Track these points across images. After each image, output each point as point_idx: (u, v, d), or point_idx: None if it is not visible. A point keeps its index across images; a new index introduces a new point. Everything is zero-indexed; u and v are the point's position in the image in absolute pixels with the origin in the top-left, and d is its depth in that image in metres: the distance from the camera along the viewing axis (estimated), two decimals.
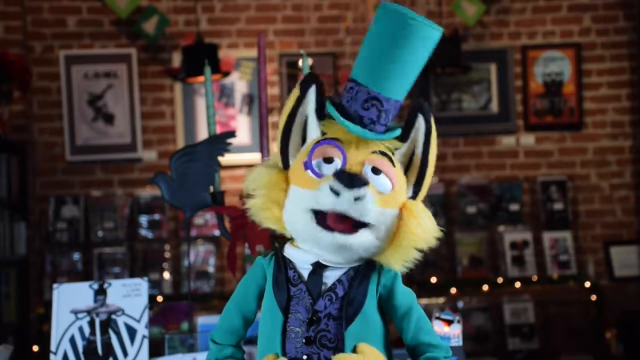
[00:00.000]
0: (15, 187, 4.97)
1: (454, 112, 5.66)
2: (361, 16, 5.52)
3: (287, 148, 1.53)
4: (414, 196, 1.53)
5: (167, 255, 5.28)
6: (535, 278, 5.39)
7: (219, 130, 3.04)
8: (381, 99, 1.48)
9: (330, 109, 1.50)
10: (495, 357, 5.33)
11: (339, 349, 1.45)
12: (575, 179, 5.69)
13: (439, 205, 5.49)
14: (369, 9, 5.31)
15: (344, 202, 1.42)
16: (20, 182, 5.04)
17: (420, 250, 1.50)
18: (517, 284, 5.35)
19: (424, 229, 1.49)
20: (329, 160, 1.47)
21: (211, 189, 2.49)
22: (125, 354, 2.08)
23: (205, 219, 5.25)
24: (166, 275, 5.24)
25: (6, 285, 4.86)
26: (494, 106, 5.68)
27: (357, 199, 1.42)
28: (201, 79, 4.72)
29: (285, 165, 1.53)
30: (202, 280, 5.25)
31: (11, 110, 5.11)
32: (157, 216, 5.28)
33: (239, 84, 5.44)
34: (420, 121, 1.51)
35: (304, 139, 1.54)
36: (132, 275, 5.14)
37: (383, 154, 1.49)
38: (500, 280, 5.37)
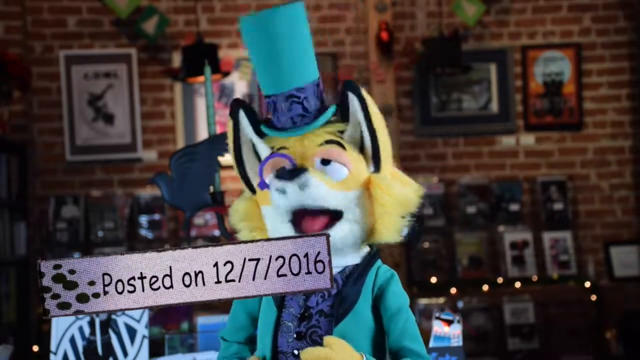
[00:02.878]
0: (15, 187, 4.97)
1: (454, 112, 5.66)
2: (361, 16, 5.52)
3: (246, 175, 1.58)
4: (377, 169, 1.53)
5: None
6: (535, 278, 5.40)
7: (219, 130, 3.04)
8: (293, 92, 1.50)
9: (264, 129, 1.55)
10: (495, 357, 5.33)
11: (324, 339, 1.44)
12: (575, 179, 5.69)
13: (439, 205, 5.49)
14: (369, 9, 5.31)
15: (292, 196, 1.45)
16: (20, 182, 5.04)
17: (407, 216, 1.51)
18: (517, 284, 5.35)
19: (396, 196, 1.50)
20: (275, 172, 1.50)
21: (211, 189, 2.49)
22: (125, 354, 2.08)
23: (205, 219, 5.25)
24: None
25: (6, 285, 4.86)
26: (494, 106, 5.68)
27: (301, 187, 1.45)
28: (201, 79, 4.71)
29: (253, 191, 1.58)
30: None
31: (11, 110, 5.11)
32: (157, 216, 5.28)
33: (239, 84, 5.43)
34: (352, 98, 1.51)
35: (259, 159, 1.58)
36: None
37: (330, 142, 1.50)
38: (500, 280, 5.38)
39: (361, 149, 1.54)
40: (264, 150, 1.56)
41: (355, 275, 1.49)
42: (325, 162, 1.49)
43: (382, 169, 1.53)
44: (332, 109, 1.53)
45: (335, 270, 1.49)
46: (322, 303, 1.49)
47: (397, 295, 1.51)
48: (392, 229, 1.51)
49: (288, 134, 1.51)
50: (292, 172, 1.45)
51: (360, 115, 1.51)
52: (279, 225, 1.50)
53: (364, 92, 1.51)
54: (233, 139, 1.57)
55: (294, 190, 1.45)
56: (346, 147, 1.51)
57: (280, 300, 1.50)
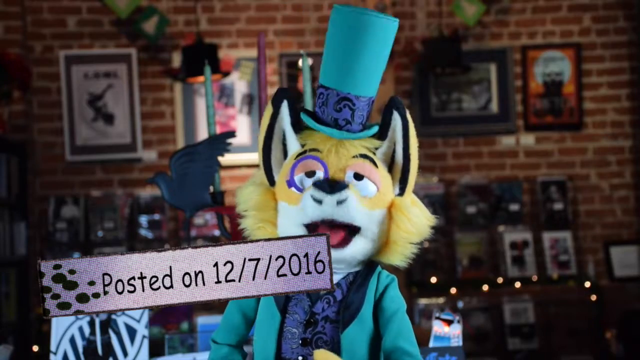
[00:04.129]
0: (15, 187, 4.97)
1: (454, 112, 5.66)
2: None
3: (269, 165, 1.55)
4: (401, 193, 1.53)
5: None
6: (535, 278, 5.40)
7: (219, 130, 3.04)
8: (351, 98, 1.49)
9: (305, 118, 1.53)
10: (495, 357, 5.33)
11: (335, 351, 1.45)
12: (575, 179, 5.69)
13: (439, 205, 5.49)
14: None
15: (327, 208, 1.45)
16: (20, 182, 5.04)
17: (416, 243, 1.52)
18: (517, 284, 5.35)
19: (414, 224, 1.51)
20: (310, 174, 1.49)
21: (211, 189, 2.49)
22: (125, 354, 2.08)
23: (205, 219, 5.25)
24: None
25: (6, 285, 4.86)
26: (494, 106, 5.68)
27: (339, 202, 1.45)
28: (201, 79, 4.72)
29: (271, 182, 1.56)
30: None
31: (11, 110, 5.11)
32: (157, 216, 5.28)
33: (239, 84, 5.44)
34: (396, 117, 1.51)
35: (285, 153, 1.57)
36: None
37: (364, 156, 1.50)
38: (500, 280, 5.38)
39: (390, 169, 1.54)
40: (294, 144, 1.54)
41: (359, 281, 1.50)
42: (358, 176, 1.49)
43: (406, 193, 1.53)
44: (376, 127, 1.53)
45: (339, 277, 1.50)
46: (327, 309, 1.49)
47: (395, 299, 1.52)
48: (401, 254, 1.51)
49: (330, 132, 1.49)
50: (334, 186, 1.45)
51: (399, 136, 1.51)
52: (293, 227, 1.49)
53: (408, 114, 1.51)
54: (268, 126, 1.54)
55: (331, 203, 1.45)
56: (378, 165, 1.51)
57: (283, 306, 1.50)
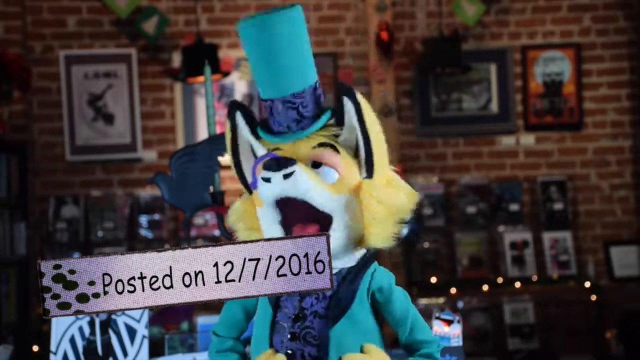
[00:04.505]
0: (15, 187, 4.97)
1: (454, 112, 5.66)
2: (361, 16, 5.51)
3: (243, 176, 1.60)
4: (369, 175, 1.52)
5: None
6: (535, 278, 5.40)
7: (219, 130, 3.03)
8: (290, 98, 1.51)
9: (260, 133, 1.55)
10: (495, 357, 5.33)
11: (323, 346, 1.47)
12: (575, 179, 5.69)
13: (439, 205, 5.49)
14: (369, 9, 5.31)
15: (276, 186, 1.46)
16: (20, 182, 5.04)
17: (401, 222, 1.52)
18: (517, 284, 5.35)
19: (385, 202, 1.49)
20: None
21: (211, 189, 2.49)
22: (125, 354, 2.08)
23: (205, 219, 5.25)
24: None
25: (6, 285, 4.86)
26: (494, 106, 5.68)
27: (286, 176, 1.45)
28: (201, 79, 4.72)
29: (250, 192, 1.59)
30: None
31: (11, 110, 5.11)
32: (157, 216, 5.28)
33: (239, 84, 5.44)
34: (347, 102, 1.51)
35: None
36: None
37: (324, 145, 1.51)
38: (500, 280, 5.38)
39: (356, 154, 1.54)
40: (260, 151, 1.57)
41: (350, 277, 1.50)
42: (316, 165, 1.50)
43: (375, 175, 1.52)
44: (326, 115, 1.53)
45: None
46: (316, 304, 1.50)
47: (401, 299, 1.55)
48: (381, 235, 1.51)
49: (282, 140, 1.52)
50: (279, 163, 1.46)
51: (354, 120, 1.51)
52: (271, 227, 1.52)
53: (359, 97, 1.50)
54: (231, 139, 1.58)
55: (279, 179, 1.45)
56: (340, 151, 1.52)
57: (275, 301, 1.51)
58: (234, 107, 1.57)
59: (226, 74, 5.07)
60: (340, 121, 1.53)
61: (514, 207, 5.57)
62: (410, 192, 1.54)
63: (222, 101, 5.43)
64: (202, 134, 5.32)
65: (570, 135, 5.71)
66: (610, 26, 5.72)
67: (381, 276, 1.54)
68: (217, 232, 5.18)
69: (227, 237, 2.48)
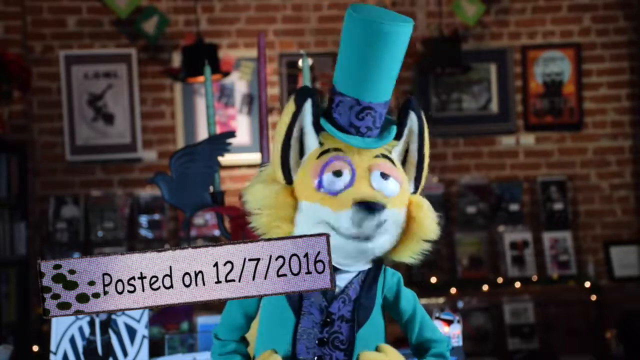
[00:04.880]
0: (15, 187, 4.97)
1: (454, 112, 5.66)
2: None
3: (288, 163, 1.53)
4: (415, 191, 1.57)
5: None
6: (535, 278, 5.40)
7: (219, 130, 3.04)
8: (373, 106, 1.50)
9: (326, 126, 1.51)
10: (495, 357, 5.33)
11: (350, 350, 1.47)
12: (575, 179, 5.69)
13: (439, 205, 5.49)
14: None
15: (366, 230, 1.45)
16: (20, 182, 5.04)
17: (429, 241, 1.55)
18: (517, 284, 5.35)
19: (432, 220, 1.55)
20: (337, 173, 1.48)
21: (211, 189, 2.49)
22: (125, 354, 2.08)
23: (205, 219, 5.25)
24: None
25: (6, 285, 4.86)
26: (494, 106, 5.68)
27: (378, 225, 1.45)
28: (201, 79, 4.72)
29: (288, 181, 1.53)
30: None
31: (11, 110, 5.11)
32: (157, 216, 5.28)
33: (239, 84, 5.44)
34: (413, 118, 1.54)
35: (301, 152, 1.55)
36: None
37: (384, 156, 1.52)
38: (500, 280, 5.38)
39: (403, 167, 1.57)
40: (313, 143, 1.53)
41: (369, 280, 1.52)
42: (384, 176, 1.49)
43: (419, 191, 1.57)
44: (393, 128, 1.54)
45: (351, 276, 1.51)
46: (343, 309, 1.49)
47: (409, 298, 1.58)
48: (415, 250, 1.54)
49: (354, 142, 1.49)
50: (373, 210, 1.43)
51: (415, 136, 1.55)
52: (316, 226, 1.47)
53: (423, 114, 1.54)
54: (288, 124, 1.52)
55: (370, 226, 1.44)
56: (396, 165, 1.54)
57: (298, 307, 1.49)
58: (305, 93, 1.52)
59: (226, 74, 5.07)
60: (399, 134, 1.55)
61: (514, 207, 5.57)
62: (434, 213, 1.58)
63: (222, 101, 5.43)
64: (202, 134, 5.32)
65: (570, 135, 5.71)
66: (610, 26, 5.72)
67: (391, 276, 1.56)
68: (217, 232, 5.18)
69: (227, 237, 2.49)
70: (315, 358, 1.47)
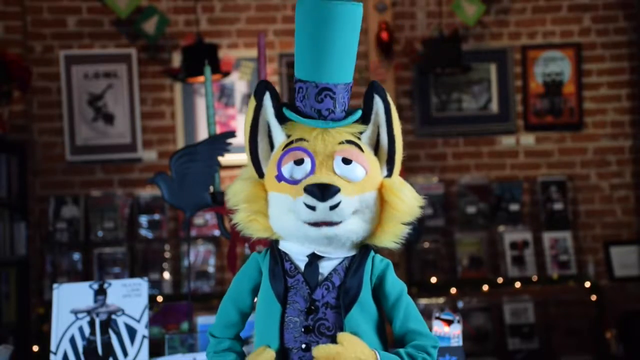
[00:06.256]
0: (15, 187, 4.97)
1: (454, 112, 5.66)
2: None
3: (257, 158, 1.58)
4: (390, 174, 1.56)
5: (167, 255, 5.28)
6: (535, 278, 5.39)
7: (219, 130, 3.04)
8: (331, 87, 1.52)
9: (287, 113, 1.55)
10: (495, 357, 5.33)
11: (337, 336, 1.47)
12: (575, 179, 5.69)
13: (439, 205, 5.49)
14: (369, 9, 5.31)
15: (320, 214, 1.46)
16: (20, 182, 5.04)
17: (408, 223, 1.54)
18: (517, 284, 5.35)
19: (407, 203, 1.53)
20: (299, 162, 1.50)
21: (211, 189, 2.49)
22: (125, 354, 2.08)
23: (205, 219, 5.25)
24: (166, 275, 5.24)
25: (6, 285, 4.87)
26: (494, 106, 5.68)
27: (332, 207, 1.46)
28: (201, 79, 4.72)
29: (260, 175, 1.58)
30: (202, 280, 5.25)
31: (11, 110, 5.11)
32: (157, 216, 5.28)
33: (239, 84, 5.44)
34: (378, 101, 1.54)
35: (271, 145, 1.59)
36: (132, 275, 5.14)
37: (350, 142, 1.53)
38: (500, 280, 5.37)
39: (375, 152, 1.57)
40: (280, 135, 1.57)
41: (355, 266, 1.52)
42: (346, 161, 1.50)
43: (394, 174, 1.56)
44: (359, 111, 1.56)
45: (335, 263, 1.52)
46: (327, 295, 1.50)
47: (395, 284, 1.56)
48: (395, 234, 1.54)
49: (313, 123, 1.52)
50: (325, 193, 1.45)
51: (382, 119, 1.55)
52: (285, 215, 1.51)
53: (389, 96, 1.54)
54: (252, 119, 1.56)
55: (324, 209, 1.46)
56: (364, 149, 1.54)
57: (283, 297, 1.51)
58: (263, 86, 1.56)
59: (226, 74, 5.08)
60: (366, 119, 1.55)
61: (514, 207, 5.57)
62: (417, 195, 1.57)
63: (222, 101, 5.43)
64: (202, 134, 5.32)
65: (570, 135, 5.71)
66: (610, 26, 5.72)
67: (379, 262, 1.56)
68: (217, 232, 5.18)
69: (227, 237, 2.49)
70: (303, 345, 1.48)
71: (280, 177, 1.50)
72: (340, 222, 1.48)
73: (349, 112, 1.56)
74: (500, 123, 5.67)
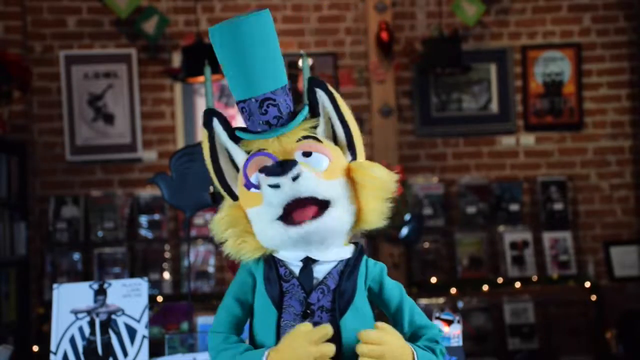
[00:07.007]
0: (15, 187, 4.97)
1: (454, 112, 5.66)
2: (361, 16, 5.52)
3: (226, 184, 1.59)
4: (354, 157, 1.58)
5: (167, 255, 5.28)
6: (535, 278, 5.40)
7: None
8: (269, 95, 1.54)
9: (240, 134, 1.57)
10: (495, 357, 5.33)
11: (333, 339, 1.47)
12: (575, 179, 5.69)
13: (439, 205, 5.49)
14: (369, 9, 5.31)
15: (287, 189, 1.47)
16: (20, 182, 5.04)
17: (388, 199, 1.55)
18: (517, 284, 5.35)
19: (379, 179, 1.54)
20: (263, 169, 1.51)
21: (211, 189, 2.49)
22: (125, 354, 2.08)
23: (205, 219, 5.25)
24: (166, 275, 5.25)
25: (6, 285, 4.87)
26: (494, 106, 5.68)
27: (294, 178, 1.46)
28: (201, 79, 4.72)
29: (235, 198, 1.59)
30: (202, 280, 5.25)
31: (11, 110, 5.11)
32: (157, 216, 5.28)
33: None
34: (320, 94, 1.57)
35: (236, 167, 1.60)
36: (132, 275, 5.14)
37: (306, 137, 1.54)
38: (500, 280, 5.38)
39: (335, 142, 1.59)
40: (239, 155, 1.58)
41: (349, 270, 1.53)
42: (307, 154, 1.52)
43: (359, 156, 1.58)
44: (305, 109, 1.58)
45: (329, 266, 1.53)
46: (322, 299, 1.51)
47: (394, 288, 1.59)
48: (377, 212, 1.54)
49: (266, 136, 1.54)
50: (284, 166, 1.47)
51: (330, 108, 1.56)
52: (267, 225, 1.51)
53: (330, 87, 1.56)
54: (210, 148, 1.58)
55: (288, 183, 1.46)
56: (322, 141, 1.56)
57: (279, 301, 1.51)
58: (209, 114, 1.59)
59: None
60: (315, 112, 1.57)
61: (514, 207, 5.57)
62: (389, 172, 1.57)
63: (222, 101, 5.43)
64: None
65: (570, 135, 5.71)
66: (610, 26, 5.72)
67: (373, 266, 1.57)
68: None
69: None
70: None
71: (249, 185, 1.52)
72: (313, 204, 1.48)
73: (295, 113, 1.57)
74: (500, 123, 5.67)
